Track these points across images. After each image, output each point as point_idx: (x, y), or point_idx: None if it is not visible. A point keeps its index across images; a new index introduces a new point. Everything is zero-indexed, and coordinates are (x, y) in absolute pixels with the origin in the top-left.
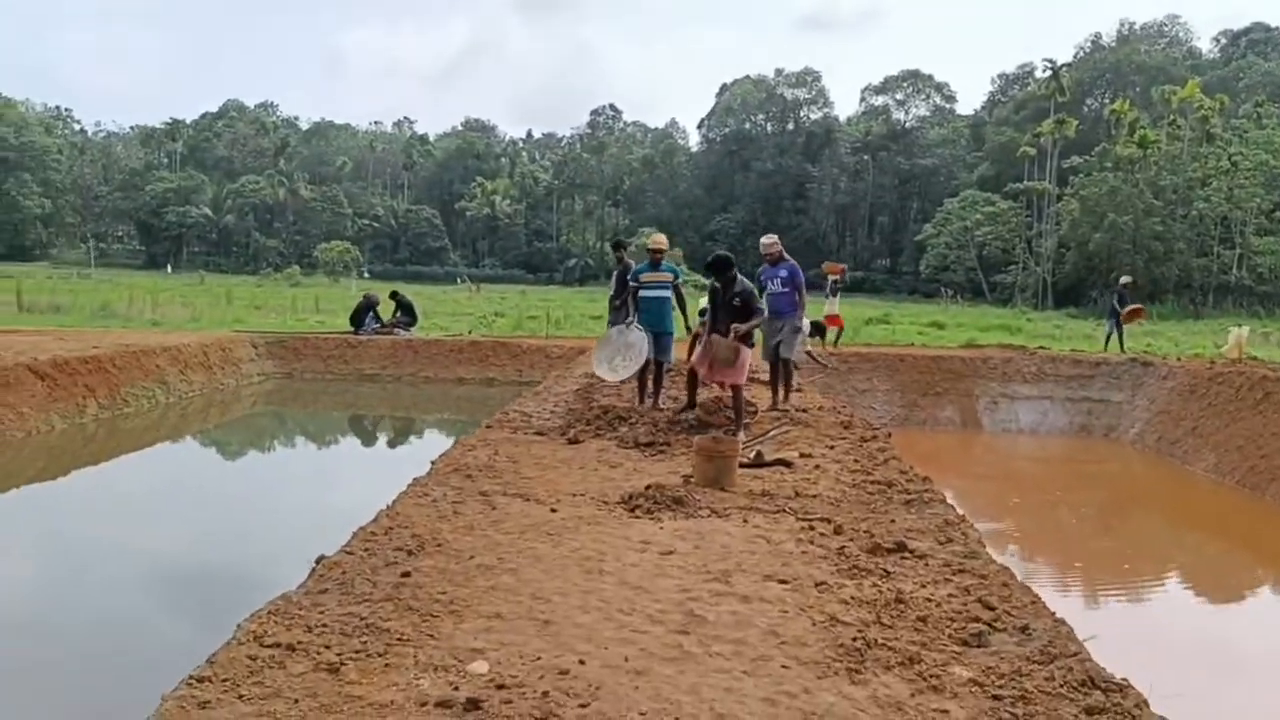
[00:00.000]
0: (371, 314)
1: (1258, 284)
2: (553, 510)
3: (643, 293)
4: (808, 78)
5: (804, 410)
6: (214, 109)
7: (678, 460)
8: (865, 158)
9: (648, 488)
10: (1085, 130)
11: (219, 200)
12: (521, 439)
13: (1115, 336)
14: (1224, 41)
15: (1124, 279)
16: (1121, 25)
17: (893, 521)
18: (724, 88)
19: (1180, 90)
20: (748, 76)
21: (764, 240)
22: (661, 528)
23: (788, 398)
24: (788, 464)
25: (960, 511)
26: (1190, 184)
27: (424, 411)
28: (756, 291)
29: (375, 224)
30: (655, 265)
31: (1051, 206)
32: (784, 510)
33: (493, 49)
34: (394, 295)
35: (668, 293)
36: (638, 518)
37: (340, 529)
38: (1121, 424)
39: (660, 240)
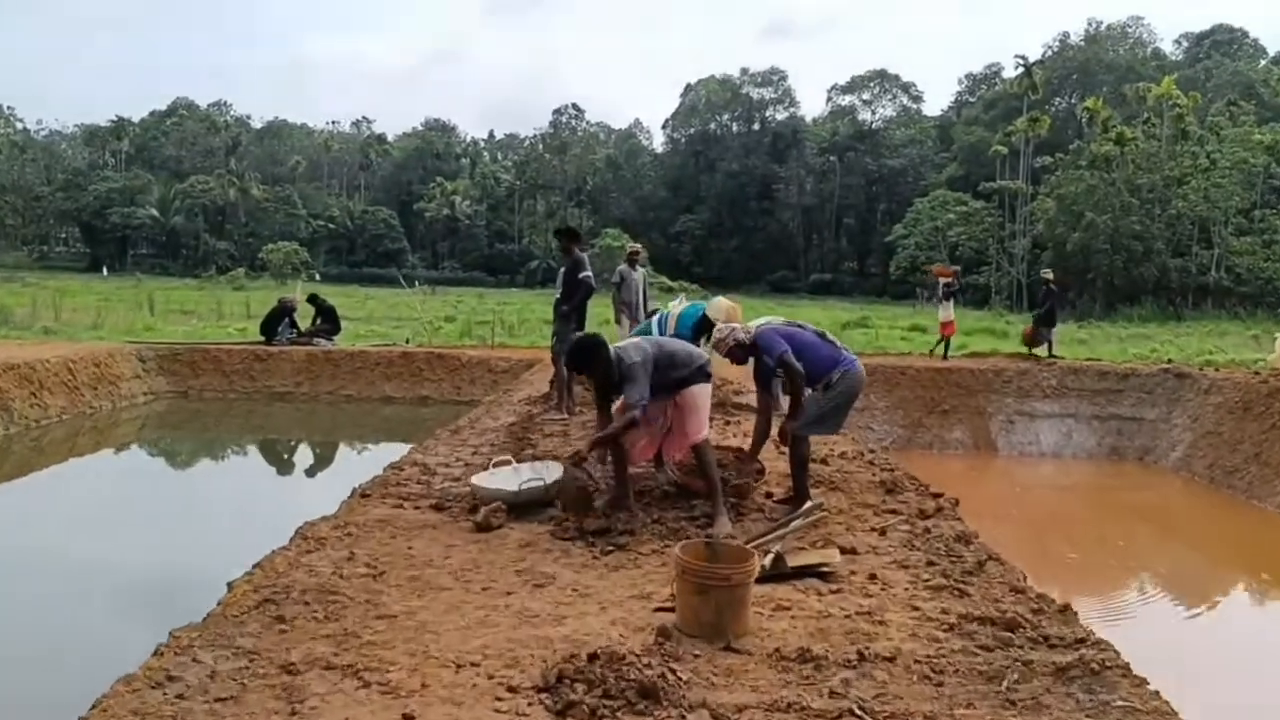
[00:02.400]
0: (287, 321)
1: (1237, 285)
2: (407, 717)
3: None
4: (774, 77)
5: (822, 461)
6: (163, 108)
7: (648, 565)
8: (832, 158)
9: (593, 658)
10: (1055, 130)
11: (166, 201)
12: (407, 518)
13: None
14: (1186, 44)
15: (1045, 273)
16: (1089, 24)
17: None
18: (688, 88)
19: (1156, 87)
20: (713, 76)
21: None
22: None
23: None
24: (824, 573)
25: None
26: (1168, 183)
27: (344, 436)
28: (638, 360)
29: (330, 225)
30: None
31: (1026, 206)
32: (853, 711)
33: (457, 51)
34: (313, 299)
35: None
36: None
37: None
38: (1158, 445)
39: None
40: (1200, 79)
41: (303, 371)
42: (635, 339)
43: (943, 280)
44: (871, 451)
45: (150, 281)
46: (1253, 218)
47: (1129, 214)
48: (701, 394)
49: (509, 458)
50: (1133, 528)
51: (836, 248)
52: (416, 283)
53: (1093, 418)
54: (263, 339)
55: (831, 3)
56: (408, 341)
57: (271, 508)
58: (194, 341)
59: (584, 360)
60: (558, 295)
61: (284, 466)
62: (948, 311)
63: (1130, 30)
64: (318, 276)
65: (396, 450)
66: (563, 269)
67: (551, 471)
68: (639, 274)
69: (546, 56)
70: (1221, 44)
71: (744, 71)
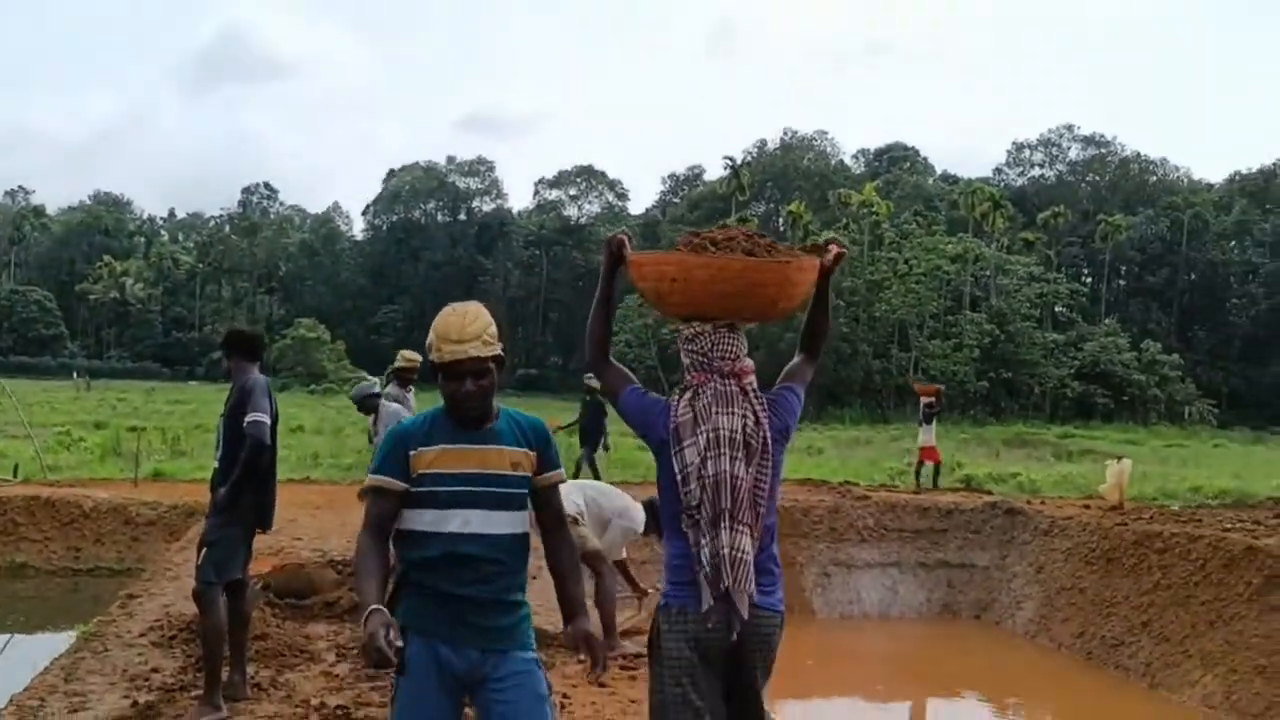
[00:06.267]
0: None
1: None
2: None
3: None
4: (480, 167)
5: None
6: None
7: None
8: (538, 252)
9: None
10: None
11: None
12: None
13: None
14: (864, 159)
15: (589, 379)
16: (785, 133)
17: None
18: (391, 173)
19: (857, 194)
20: (417, 163)
21: None
22: None
23: None
24: None
25: None
26: (870, 287)
27: None
28: None
29: None
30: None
31: None
32: None
33: (139, 122)
34: None
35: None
36: None
37: None
38: (997, 600)
39: None
40: (884, 191)
41: None
42: None
43: (923, 399)
44: None
45: None
46: (945, 322)
47: (836, 316)
48: None
49: None
50: None
51: (542, 342)
52: (75, 374)
53: (918, 565)
54: None
55: (537, 97)
56: (15, 473)
57: None
58: None
59: None
60: (216, 460)
61: None
62: (929, 435)
63: (817, 143)
64: None
65: None
66: (227, 408)
67: None
68: (411, 398)
69: (238, 134)
70: (898, 159)
71: (450, 160)
